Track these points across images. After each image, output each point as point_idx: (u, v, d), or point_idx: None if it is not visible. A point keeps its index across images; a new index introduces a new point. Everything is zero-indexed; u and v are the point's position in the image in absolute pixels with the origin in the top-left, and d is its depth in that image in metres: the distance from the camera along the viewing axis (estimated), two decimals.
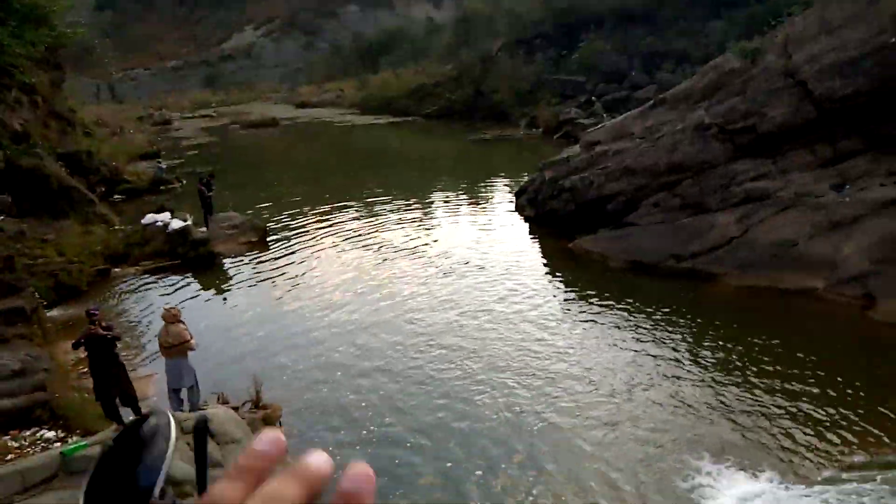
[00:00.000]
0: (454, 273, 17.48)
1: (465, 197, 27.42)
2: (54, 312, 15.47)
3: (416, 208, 25.30)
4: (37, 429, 9.91)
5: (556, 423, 10.30)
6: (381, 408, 11.07)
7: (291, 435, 10.37)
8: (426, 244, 20.21)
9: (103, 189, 27.84)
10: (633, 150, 20.05)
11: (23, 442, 9.47)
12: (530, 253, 19.34)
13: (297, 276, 17.95)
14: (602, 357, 12.44)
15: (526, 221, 22.30)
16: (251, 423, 9.86)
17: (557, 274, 17.26)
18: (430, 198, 27.41)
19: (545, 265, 18.16)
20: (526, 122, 46.04)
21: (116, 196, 28.15)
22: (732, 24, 39.79)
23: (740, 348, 12.40)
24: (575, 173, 20.89)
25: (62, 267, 17.06)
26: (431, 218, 23.91)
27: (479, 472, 9.17)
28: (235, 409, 10.23)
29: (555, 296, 15.75)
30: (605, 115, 38.96)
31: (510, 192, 26.43)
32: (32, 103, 29.63)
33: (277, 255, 19.75)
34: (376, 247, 20.22)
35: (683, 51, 43.11)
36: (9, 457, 8.84)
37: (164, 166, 32.17)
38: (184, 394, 9.97)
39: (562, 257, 18.49)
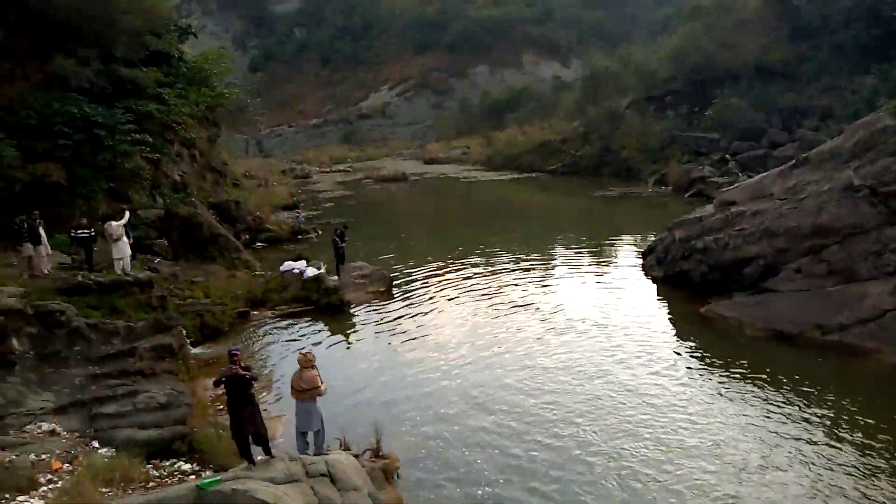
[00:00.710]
0: (573, 331, 17.14)
1: (588, 254, 26.98)
2: (198, 350, 16.66)
3: (537, 263, 25.19)
4: (175, 460, 10.61)
5: (681, 499, 9.66)
6: (496, 467, 10.91)
7: (409, 487, 10.44)
8: (545, 301, 19.99)
9: (248, 237, 30.04)
10: (773, 212, 18.96)
11: (162, 472, 10.16)
12: (657, 315, 18.59)
13: (418, 326, 18.30)
14: (731, 432, 11.59)
15: (653, 282, 21.55)
16: (371, 471, 10.02)
17: (686, 338, 16.42)
18: (551, 253, 27.22)
19: (673, 329, 17.36)
20: (655, 180, 44.97)
21: (259, 243, 30.23)
22: (884, 79, 37.15)
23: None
24: (709, 234, 20.02)
25: (208, 308, 18.45)
26: (552, 274, 23.69)
27: None
28: (356, 456, 10.44)
29: (681, 361, 14.96)
30: (740, 174, 37.34)
31: (636, 252, 25.73)
32: (191, 157, 32.86)
33: (401, 306, 20.27)
34: (496, 301, 20.27)
35: (827, 107, 40.65)
36: (150, 485, 9.51)
37: (303, 217, 34.29)
38: (310, 437, 10.32)
39: (692, 321, 17.62)
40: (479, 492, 10.19)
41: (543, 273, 23.78)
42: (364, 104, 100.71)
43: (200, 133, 33.89)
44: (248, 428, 8.78)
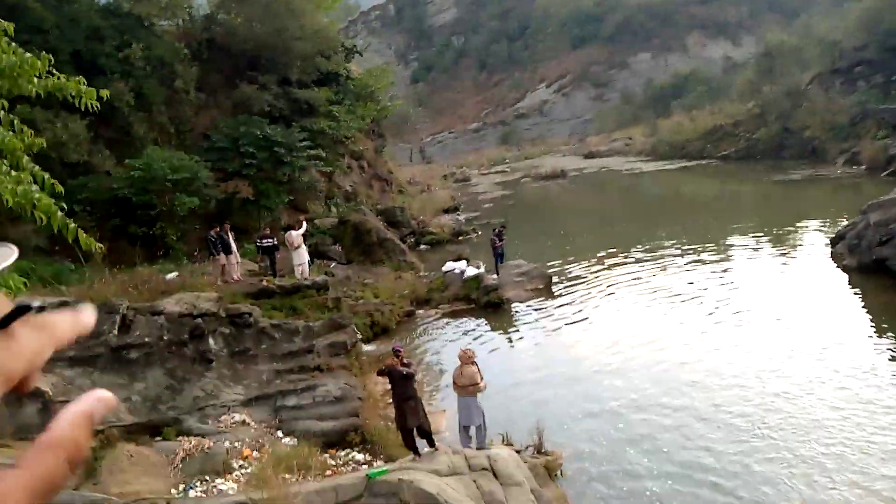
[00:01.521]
0: (748, 326, 15.89)
1: (768, 244, 24.83)
2: (369, 347, 17.59)
3: (709, 256, 23.61)
4: (349, 450, 11.27)
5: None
6: (661, 465, 10.39)
7: (573, 484, 10.25)
8: (717, 295, 18.68)
9: (412, 240, 31.29)
10: None
11: (338, 461, 10.85)
12: (850, 306, 16.68)
13: (580, 324, 17.93)
14: None
15: (844, 272, 19.37)
16: (533, 467, 9.96)
17: (886, 334, 14.53)
18: (725, 244, 25.40)
19: (870, 320, 15.47)
20: (845, 160, 40.49)
21: (422, 246, 31.36)
22: None
23: None
24: None
25: (377, 308, 19.44)
26: (726, 267, 22.08)
27: None
28: (518, 451, 10.43)
29: (881, 357, 13.25)
30: None
31: (824, 239, 23.28)
32: (360, 167, 34.92)
33: (561, 303, 19.98)
34: (660, 296, 19.31)
35: None
36: (327, 472, 10.18)
37: (463, 219, 35.05)
38: (472, 431, 10.49)
39: (893, 314, 15.57)
40: (646, 489, 9.74)
41: (716, 266, 22.26)
42: (521, 104, 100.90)
43: (367, 145, 35.94)
44: (412, 421, 9.11)
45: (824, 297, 17.47)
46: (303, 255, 19.01)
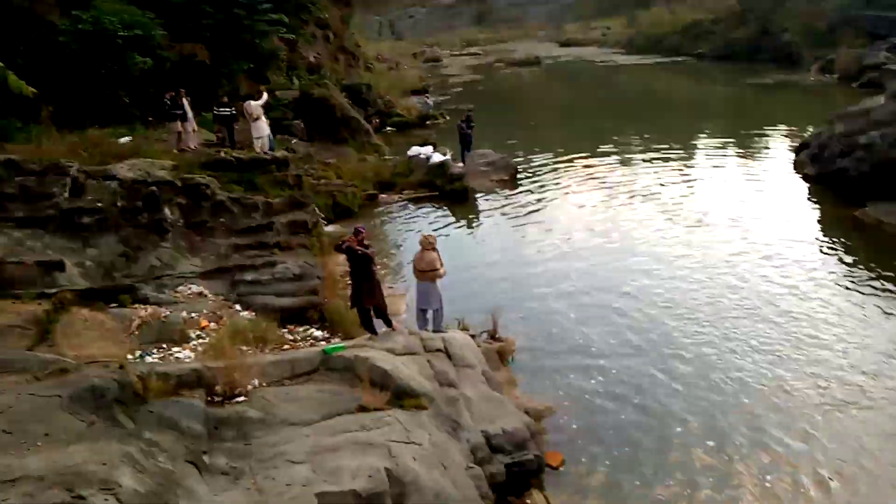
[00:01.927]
0: (704, 225, 16.34)
1: (734, 147, 25.02)
2: (329, 228, 17.43)
3: (676, 156, 23.72)
4: (308, 327, 11.41)
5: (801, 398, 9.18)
6: (609, 345, 10.99)
7: (523, 369, 10.67)
8: (678, 193, 19.02)
9: (378, 121, 30.40)
10: None
11: (296, 336, 11.00)
12: (805, 216, 17.12)
13: (540, 215, 18.08)
14: (871, 341, 10.73)
15: (805, 181, 19.75)
16: (486, 352, 10.28)
17: (836, 243, 15.05)
18: (693, 145, 25.50)
19: (822, 232, 15.96)
20: (819, 67, 40.31)
21: (388, 128, 30.56)
22: None
23: None
24: (876, 128, 17.76)
25: (339, 189, 19.14)
26: (691, 167, 22.29)
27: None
28: (473, 336, 10.71)
29: (829, 269, 13.79)
30: None
31: (789, 147, 23.53)
32: (325, 38, 33.19)
33: (525, 194, 20.02)
34: (624, 191, 19.55)
35: None
36: (284, 347, 10.34)
37: (431, 102, 34.10)
38: (429, 315, 10.69)
39: (845, 226, 16.08)
40: (589, 382, 10.21)
41: (681, 165, 22.43)
42: None
43: (334, 14, 33.98)
44: (368, 301, 9.19)
45: (780, 204, 17.86)
46: (262, 129, 18.29)
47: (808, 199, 18.41)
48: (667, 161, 22.93)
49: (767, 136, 26.39)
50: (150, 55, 19.03)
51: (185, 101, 16.96)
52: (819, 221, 16.74)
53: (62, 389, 5.92)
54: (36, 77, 16.85)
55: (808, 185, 19.42)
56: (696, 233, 16.02)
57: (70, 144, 14.04)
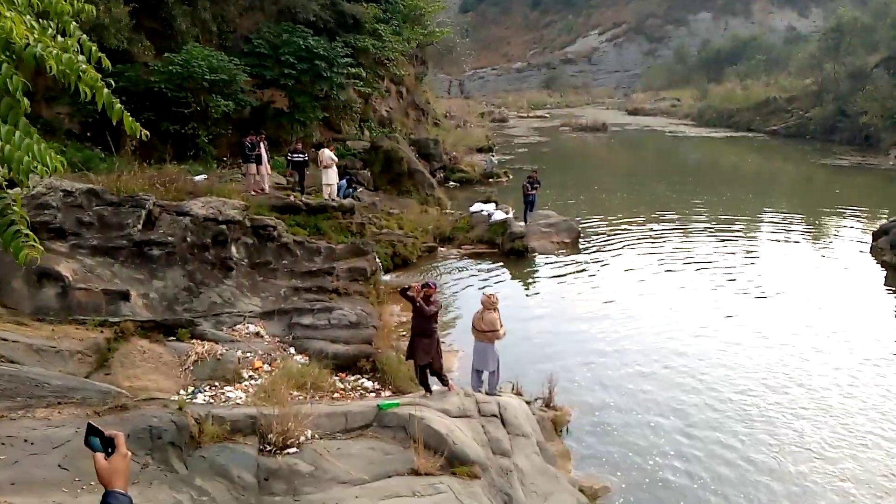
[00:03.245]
0: (773, 308, 15.55)
1: (805, 227, 24.14)
2: (387, 277, 17.46)
3: (741, 231, 23.02)
4: (359, 376, 11.24)
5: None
6: (667, 437, 10.26)
7: (577, 443, 10.18)
8: (744, 272, 18.27)
9: (442, 175, 30.74)
10: None
11: (346, 385, 10.83)
12: (884, 303, 16.17)
13: (602, 283, 17.63)
14: None
15: (883, 268, 18.77)
16: (540, 420, 9.87)
17: None
18: (760, 222, 24.73)
19: None
20: None
21: (451, 182, 30.83)
22: None
23: None
24: None
25: (400, 239, 19.22)
26: (757, 244, 21.55)
27: None
28: (528, 402, 10.33)
29: None
30: None
31: (864, 230, 22.56)
32: (398, 93, 34.09)
33: (586, 259, 19.64)
34: (687, 265, 18.92)
35: None
36: (335, 395, 10.17)
37: (496, 160, 34.36)
38: (485, 376, 10.37)
39: None
40: (648, 463, 9.64)
41: (747, 242, 21.71)
42: (570, 49, 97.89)
43: (409, 71, 34.93)
44: (423, 358, 8.97)
45: (857, 290, 16.97)
46: (332, 176, 18.82)
47: (888, 288, 17.45)
48: (733, 237, 22.23)
49: (840, 218, 25.41)
50: (231, 99, 19.85)
51: (262, 146, 17.48)
52: None
53: (121, 427, 5.82)
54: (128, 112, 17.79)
55: (885, 272, 18.47)
56: (767, 309, 15.34)
57: (149, 178, 14.55)
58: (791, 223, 24.58)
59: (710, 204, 27.25)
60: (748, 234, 22.80)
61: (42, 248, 3.18)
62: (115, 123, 3.36)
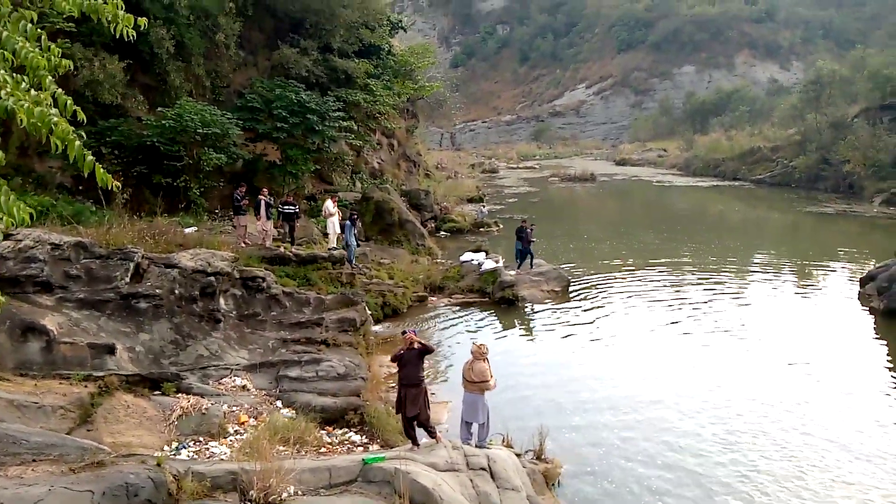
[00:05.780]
0: (764, 358, 15.44)
1: (792, 275, 24.30)
2: (377, 328, 17.38)
3: (731, 281, 23.10)
4: (346, 430, 11.06)
5: None
6: (659, 490, 10.06)
7: (568, 498, 9.97)
8: (733, 322, 18.21)
9: (433, 225, 30.98)
10: None
11: (334, 440, 10.65)
12: (875, 352, 16.16)
13: (591, 333, 17.57)
14: None
15: (871, 314, 18.84)
16: (531, 473, 9.70)
17: None
18: (749, 270, 24.87)
19: (894, 370, 14.98)
20: (882, 199, 39.54)
21: (442, 232, 31.06)
22: None
23: None
24: None
25: (390, 289, 19.23)
26: (747, 294, 21.57)
27: None
28: (518, 455, 10.17)
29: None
30: None
31: (850, 277, 22.72)
32: (390, 146, 34.60)
33: (576, 309, 19.63)
34: (677, 316, 18.89)
35: None
36: (322, 449, 9.99)
37: (486, 211, 34.69)
38: (474, 428, 10.23)
39: None
40: (647, 502, 9.46)
41: (736, 292, 21.76)
42: (558, 102, 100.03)
43: (400, 124, 35.56)
44: (411, 410, 8.87)
45: (846, 338, 16.98)
46: (336, 225, 19.19)
47: (876, 336, 17.47)
48: (722, 287, 22.27)
49: (827, 265, 25.61)
50: (224, 152, 20.10)
51: (263, 200, 17.66)
52: (891, 359, 15.76)
53: (95, 485, 5.74)
54: (118, 165, 17.92)
55: (873, 318, 18.53)
56: (758, 366, 15.20)
57: (138, 230, 14.57)
58: (779, 270, 24.76)
59: (698, 253, 27.49)
60: (737, 282, 22.90)
61: (4, 300, 3.19)
62: (85, 176, 3.44)
